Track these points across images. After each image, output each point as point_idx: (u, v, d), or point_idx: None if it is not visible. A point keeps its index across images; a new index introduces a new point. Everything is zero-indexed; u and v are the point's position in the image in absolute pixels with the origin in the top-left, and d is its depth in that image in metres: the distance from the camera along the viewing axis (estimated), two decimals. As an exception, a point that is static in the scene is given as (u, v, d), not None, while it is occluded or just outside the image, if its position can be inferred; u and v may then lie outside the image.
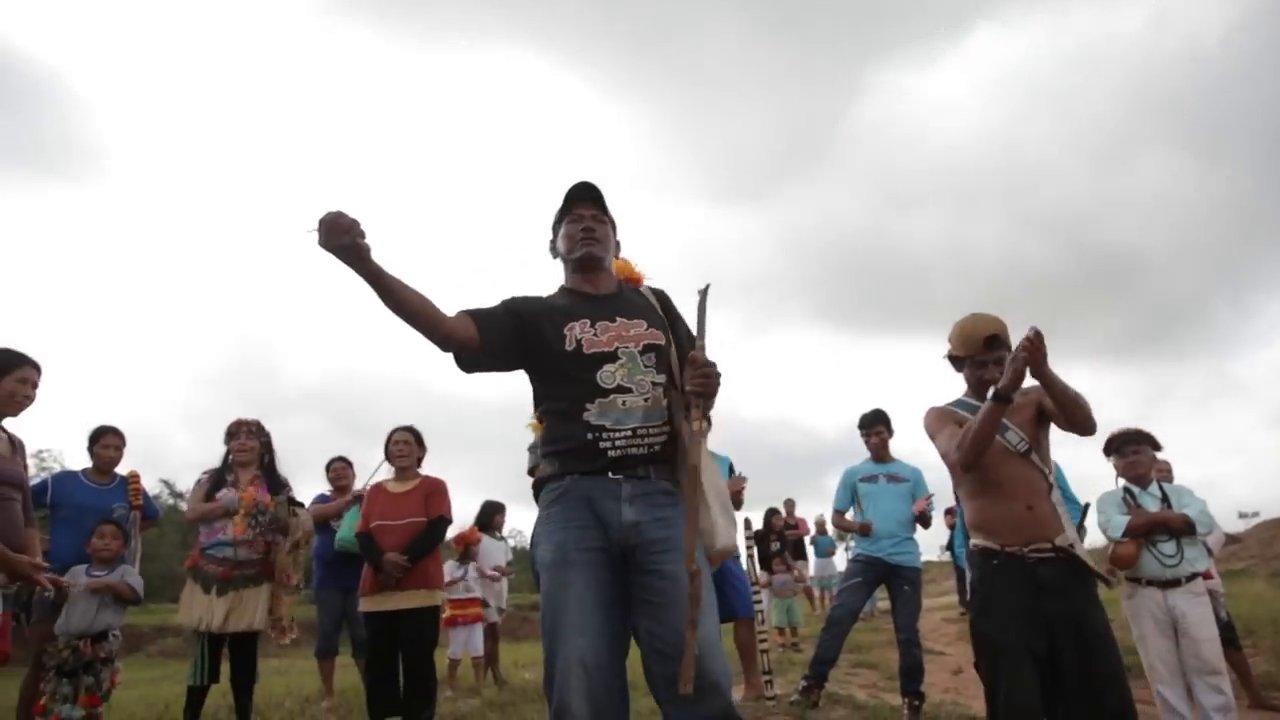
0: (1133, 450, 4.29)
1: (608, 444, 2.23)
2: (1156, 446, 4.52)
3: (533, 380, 2.44)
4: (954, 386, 3.23)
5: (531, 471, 3.60)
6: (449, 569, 7.14)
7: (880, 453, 5.60)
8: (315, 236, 2.02)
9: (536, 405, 2.45)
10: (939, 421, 3.13)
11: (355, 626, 5.85)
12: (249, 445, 4.98)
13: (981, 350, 3.06)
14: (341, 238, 2.02)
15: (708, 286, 2.40)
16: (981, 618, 2.98)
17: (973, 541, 3.07)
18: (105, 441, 4.91)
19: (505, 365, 2.39)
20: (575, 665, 2.02)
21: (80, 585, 4.21)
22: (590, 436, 2.24)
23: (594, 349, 2.32)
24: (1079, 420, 2.90)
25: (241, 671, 4.78)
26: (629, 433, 2.25)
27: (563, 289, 2.58)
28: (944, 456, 3.10)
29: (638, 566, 2.18)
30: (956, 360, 3.17)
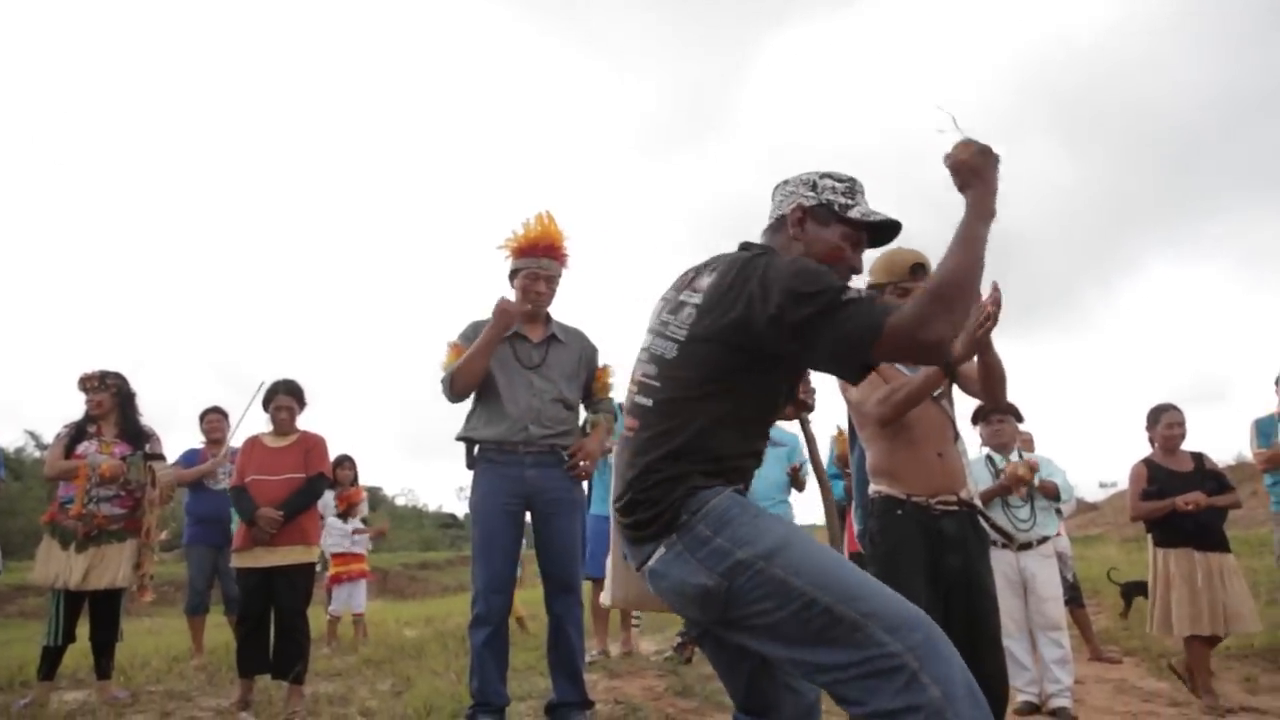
0: (997, 420, 4.56)
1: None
2: (1019, 418, 4.80)
3: (751, 377, 1.82)
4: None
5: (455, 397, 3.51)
6: (334, 523, 7.09)
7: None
8: (951, 137, 1.85)
9: (721, 401, 1.80)
10: None
11: (227, 583, 5.73)
12: (99, 399, 4.74)
13: (906, 277, 2.92)
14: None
15: None
16: (887, 572, 2.65)
17: (874, 488, 2.91)
18: None
19: None
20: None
21: None
22: (757, 461, 1.95)
23: None
24: (998, 391, 2.83)
25: (102, 630, 4.61)
26: None
27: None
28: (857, 404, 2.93)
29: None
30: (876, 289, 2.97)
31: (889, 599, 1.63)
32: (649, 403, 1.85)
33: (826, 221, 1.96)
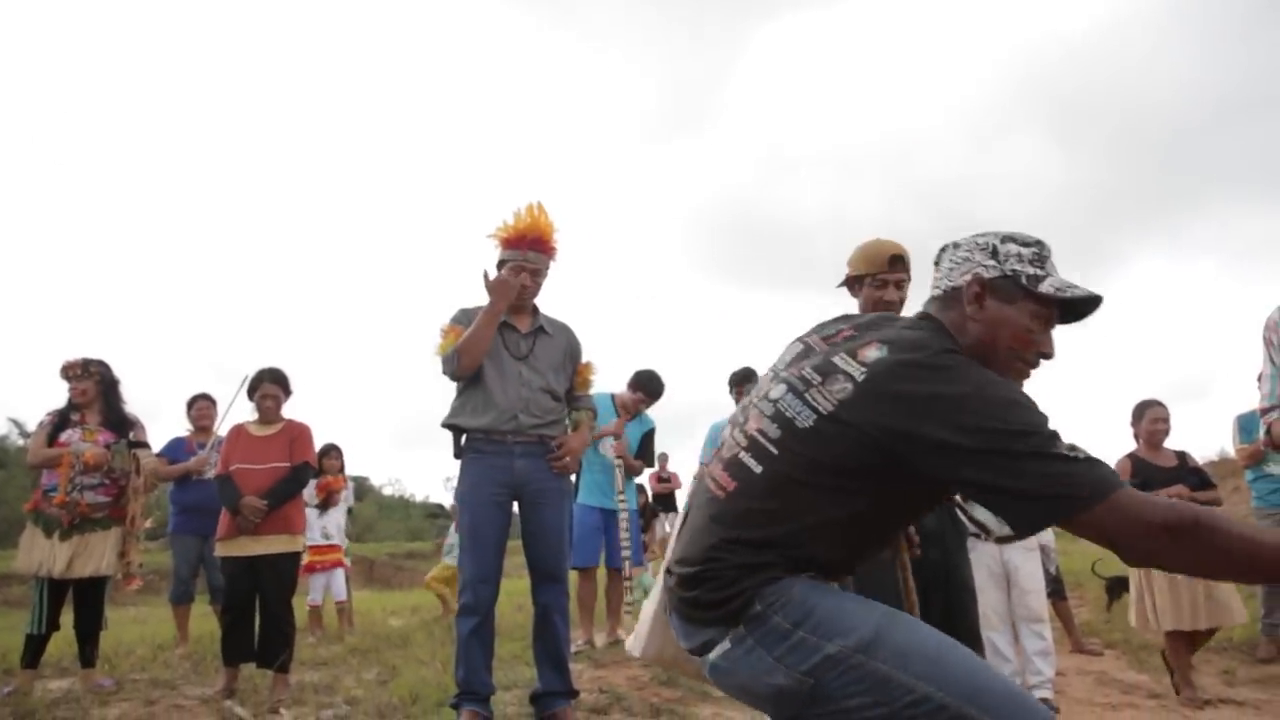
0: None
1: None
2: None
3: (886, 488, 1.54)
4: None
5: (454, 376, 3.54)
6: (308, 515, 7.08)
7: (748, 410, 5.80)
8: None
9: (839, 501, 1.54)
10: None
11: (212, 572, 5.74)
12: (82, 387, 4.73)
13: (884, 268, 2.91)
14: None
15: None
16: (865, 565, 2.74)
17: None
18: None
19: None
20: None
21: None
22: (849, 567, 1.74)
23: None
24: None
25: (86, 619, 4.60)
26: None
27: None
28: None
29: None
30: (855, 281, 3.00)
31: (1012, 695, 1.44)
32: (757, 469, 1.57)
33: (1012, 297, 1.62)
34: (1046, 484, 1.37)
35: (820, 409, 1.53)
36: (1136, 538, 1.38)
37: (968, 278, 1.65)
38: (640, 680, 4.44)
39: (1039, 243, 1.66)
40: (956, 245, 1.71)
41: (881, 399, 1.48)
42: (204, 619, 6.76)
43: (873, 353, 1.54)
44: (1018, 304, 1.61)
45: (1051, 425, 1.42)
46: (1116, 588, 7.38)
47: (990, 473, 1.40)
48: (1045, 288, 1.60)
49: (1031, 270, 1.62)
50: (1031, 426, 1.41)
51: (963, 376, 1.47)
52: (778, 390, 1.63)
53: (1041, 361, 1.66)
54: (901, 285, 2.92)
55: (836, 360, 1.57)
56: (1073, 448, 1.40)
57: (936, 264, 1.75)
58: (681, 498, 13.17)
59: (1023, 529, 1.44)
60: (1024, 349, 1.62)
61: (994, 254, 1.65)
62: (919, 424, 1.44)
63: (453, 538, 7.75)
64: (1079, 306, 1.66)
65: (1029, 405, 1.45)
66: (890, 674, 1.42)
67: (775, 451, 1.56)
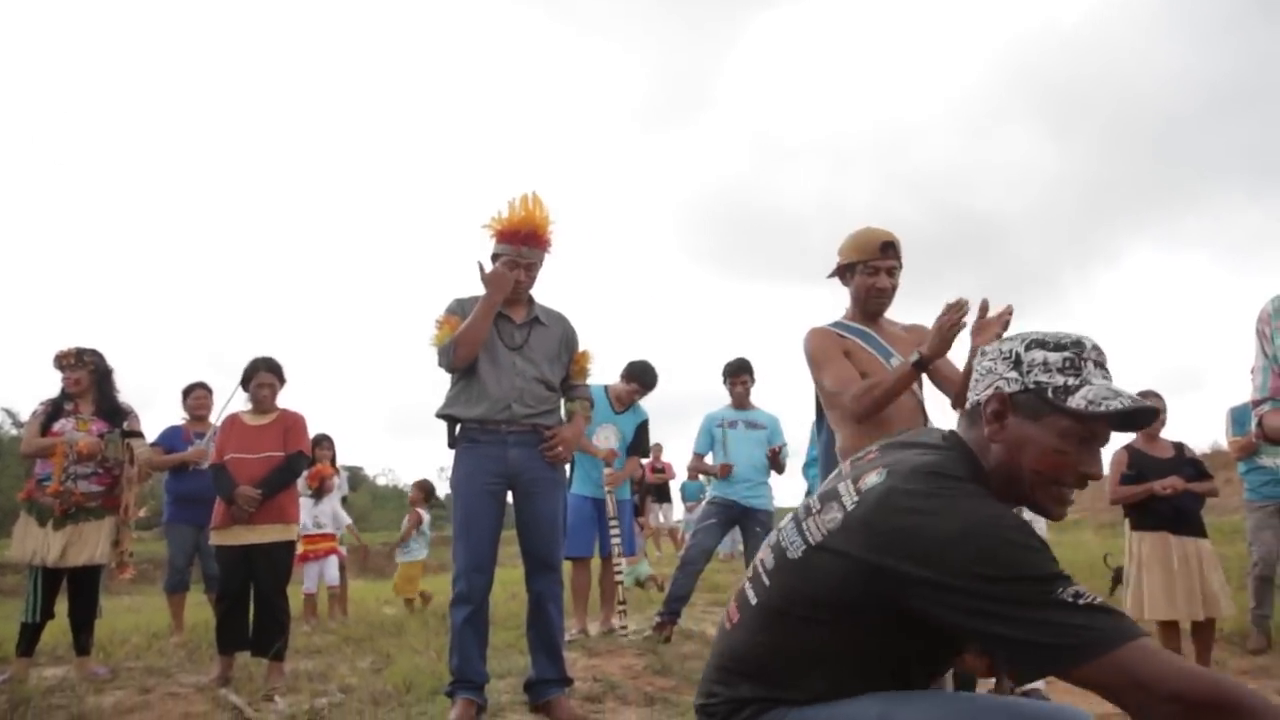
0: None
1: None
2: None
3: (879, 624, 1.41)
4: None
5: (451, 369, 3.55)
6: (303, 503, 7.07)
7: (742, 401, 5.81)
8: None
9: (831, 635, 1.43)
10: (826, 351, 2.92)
11: (207, 561, 5.74)
12: (76, 377, 4.73)
13: (876, 255, 2.93)
14: None
15: None
16: None
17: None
18: None
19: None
20: None
21: None
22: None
23: None
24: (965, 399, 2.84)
25: (81, 607, 4.61)
26: None
27: None
28: (831, 395, 2.88)
29: None
30: (846, 270, 3.00)
31: None
32: (754, 601, 1.52)
33: (1037, 413, 1.43)
34: (1042, 632, 1.24)
35: (810, 539, 1.44)
36: (1148, 701, 1.21)
37: (989, 392, 1.49)
38: (634, 669, 4.45)
39: (1076, 344, 1.45)
40: (984, 353, 1.56)
41: (866, 530, 1.37)
42: (199, 608, 6.77)
43: (872, 479, 1.42)
44: (1043, 420, 1.43)
45: (1054, 568, 1.29)
46: (1121, 577, 7.40)
47: (979, 618, 1.28)
48: (1075, 401, 1.40)
49: (1060, 380, 1.42)
50: (1026, 570, 1.27)
51: (952, 510, 1.33)
52: (786, 519, 1.56)
53: (1089, 483, 1.48)
54: (893, 272, 2.96)
55: (840, 486, 1.47)
56: (1078, 594, 1.26)
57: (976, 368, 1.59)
58: (675, 487, 13.25)
59: (1021, 678, 1.34)
60: (1053, 471, 1.44)
61: (1016, 363, 1.47)
62: (899, 560, 1.32)
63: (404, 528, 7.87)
64: (1133, 417, 1.43)
65: (1026, 546, 1.29)
66: None
67: (767, 583, 1.50)
